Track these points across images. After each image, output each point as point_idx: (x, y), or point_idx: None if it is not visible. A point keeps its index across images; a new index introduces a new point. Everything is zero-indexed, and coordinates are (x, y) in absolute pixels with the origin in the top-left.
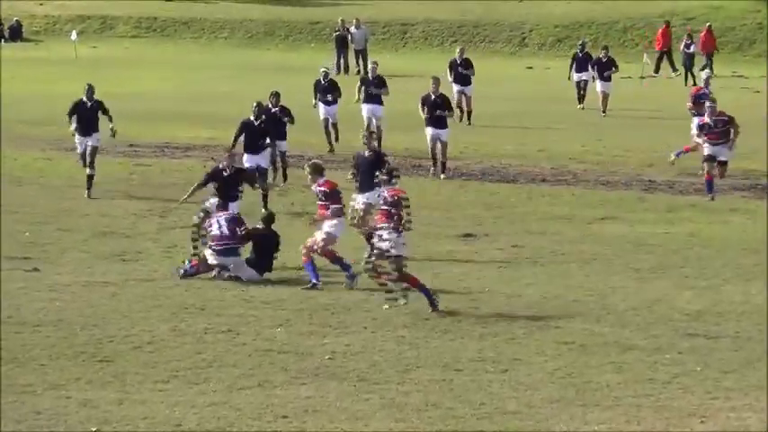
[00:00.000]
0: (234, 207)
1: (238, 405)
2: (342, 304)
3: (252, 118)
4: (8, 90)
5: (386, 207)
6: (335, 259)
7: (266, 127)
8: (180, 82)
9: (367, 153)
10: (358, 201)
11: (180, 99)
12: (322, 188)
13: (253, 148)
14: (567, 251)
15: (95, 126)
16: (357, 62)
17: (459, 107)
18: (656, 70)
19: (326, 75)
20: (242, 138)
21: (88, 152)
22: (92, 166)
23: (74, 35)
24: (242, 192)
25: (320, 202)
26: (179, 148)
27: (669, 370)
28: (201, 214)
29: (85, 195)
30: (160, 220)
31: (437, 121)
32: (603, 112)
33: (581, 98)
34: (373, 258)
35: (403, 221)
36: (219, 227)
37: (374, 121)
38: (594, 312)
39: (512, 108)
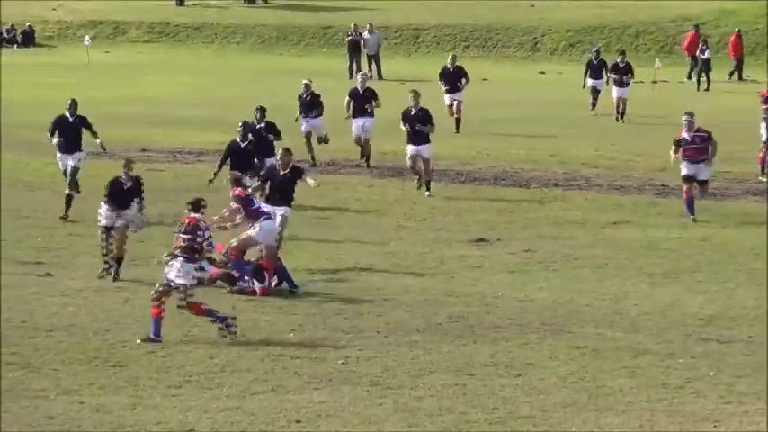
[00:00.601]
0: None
1: (251, 410)
2: (354, 309)
3: (238, 139)
4: (21, 95)
5: (183, 235)
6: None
7: (253, 148)
8: (192, 87)
9: (282, 172)
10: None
11: (192, 104)
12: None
13: (241, 170)
14: (580, 256)
15: (78, 144)
16: (370, 67)
17: (455, 117)
18: (697, 77)
19: (308, 87)
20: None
21: (69, 172)
22: (72, 186)
23: (87, 40)
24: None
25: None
26: (191, 153)
27: (682, 374)
28: (104, 231)
29: (62, 215)
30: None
31: (417, 137)
32: (621, 117)
33: (595, 105)
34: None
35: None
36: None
37: (362, 135)
38: (607, 317)
39: (524, 113)
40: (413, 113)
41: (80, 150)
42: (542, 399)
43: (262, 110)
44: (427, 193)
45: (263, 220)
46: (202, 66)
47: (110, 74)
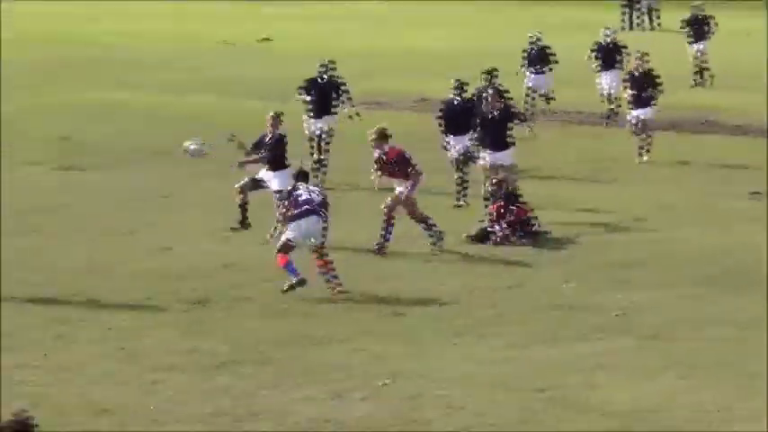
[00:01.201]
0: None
1: (528, 360)
2: (629, 261)
3: (453, 97)
4: (298, 46)
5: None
6: (420, 218)
7: (469, 107)
8: (467, 39)
9: (494, 112)
10: (494, 159)
11: (466, 56)
12: (384, 157)
13: (456, 129)
14: None
15: (328, 107)
16: (650, 20)
17: (699, 67)
18: None
19: (538, 40)
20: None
21: (320, 136)
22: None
23: None
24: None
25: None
26: None
27: None
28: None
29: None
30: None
31: (639, 100)
32: None
33: None
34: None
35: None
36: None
37: (611, 90)
38: None
39: None
40: (636, 76)
41: (330, 114)
42: None
43: (490, 73)
44: (644, 157)
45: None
46: (480, 18)
47: (389, 25)
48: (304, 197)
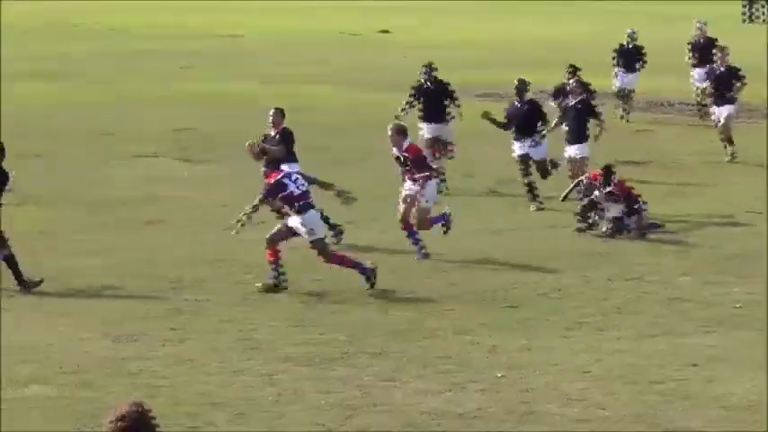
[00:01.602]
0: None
1: (645, 353)
2: (749, 252)
3: (516, 102)
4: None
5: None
6: (408, 223)
7: (530, 112)
8: (569, 31)
9: (575, 103)
10: (570, 152)
11: (564, 47)
12: (406, 154)
13: (520, 133)
14: None
15: (442, 114)
16: None
17: None
18: None
19: (633, 35)
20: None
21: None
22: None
23: None
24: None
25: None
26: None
27: None
28: None
29: None
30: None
31: (720, 98)
32: None
33: None
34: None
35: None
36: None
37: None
38: None
39: None
40: (718, 72)
41: (445, 122)
42: None
43: (573, 68)
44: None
45: (431, 179)
46: (583, 9)
47: (503, 16)
48: (296, 193)
